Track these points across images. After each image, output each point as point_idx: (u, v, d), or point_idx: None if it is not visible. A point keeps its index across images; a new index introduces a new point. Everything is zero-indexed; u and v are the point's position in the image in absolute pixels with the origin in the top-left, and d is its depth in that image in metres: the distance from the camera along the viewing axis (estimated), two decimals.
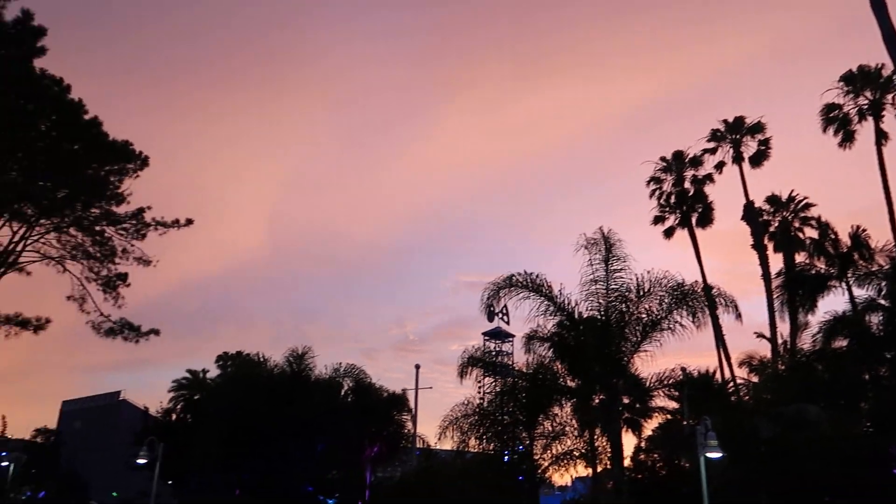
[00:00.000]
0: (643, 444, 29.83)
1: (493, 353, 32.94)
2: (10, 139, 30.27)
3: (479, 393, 28.29)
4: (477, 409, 21.02)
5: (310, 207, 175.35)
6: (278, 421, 24.02)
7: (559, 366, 20.71)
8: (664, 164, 36.34)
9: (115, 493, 43.46)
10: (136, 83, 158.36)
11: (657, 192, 36.25)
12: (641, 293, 18.63)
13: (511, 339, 36.06)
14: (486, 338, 36.72)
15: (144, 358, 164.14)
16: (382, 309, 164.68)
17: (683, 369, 20.67)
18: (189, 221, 41.51)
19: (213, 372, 39.97)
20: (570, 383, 21.13)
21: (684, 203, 35.38)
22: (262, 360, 29.26)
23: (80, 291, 39.90)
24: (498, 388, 23.75)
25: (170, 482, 36.35)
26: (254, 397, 25.41)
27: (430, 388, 71.72)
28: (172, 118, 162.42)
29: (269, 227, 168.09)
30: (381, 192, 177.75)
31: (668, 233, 35.79)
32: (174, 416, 36.38)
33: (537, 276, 19.30)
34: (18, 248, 38.72)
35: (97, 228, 39.55)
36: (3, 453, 56.39)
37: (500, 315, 32.83)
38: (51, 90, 31.97)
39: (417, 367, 27.75)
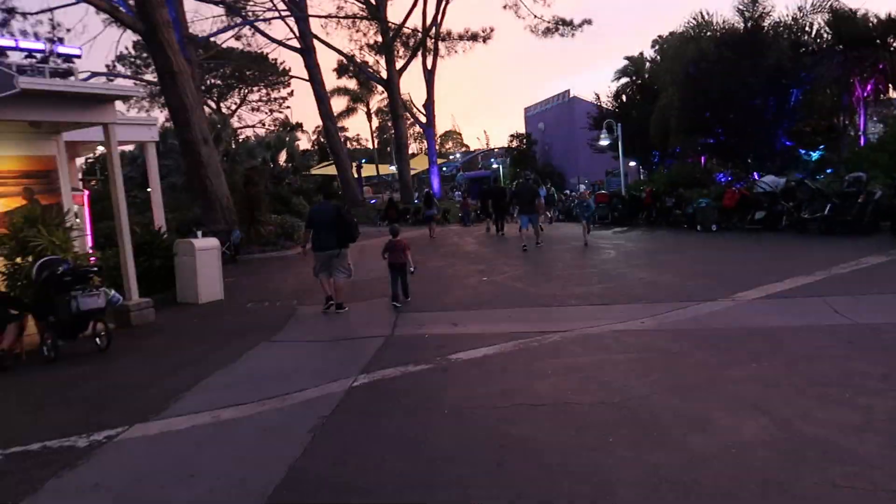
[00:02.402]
0: None
1: None
2: None
3: None
4: None
5: None
6: (736, 77, 21.63)
7: None
8: None
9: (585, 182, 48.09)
10: None
11: None
12: None
13: None
14: None
15: (581, 63, 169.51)
16: None
17: None
18: None
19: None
20: None
21: None
22: (704, 20, 26.14)
23: None
24: None
25: (632, 163, 38.12)
26: (704, 58, 23.21)
27: None
28: None
29: None
30: None
31: None
32: (624, 98, 36.79)
33: None
34: None
35: None
36: (491, 159, 68.22)
37: None
38: None
39: None
